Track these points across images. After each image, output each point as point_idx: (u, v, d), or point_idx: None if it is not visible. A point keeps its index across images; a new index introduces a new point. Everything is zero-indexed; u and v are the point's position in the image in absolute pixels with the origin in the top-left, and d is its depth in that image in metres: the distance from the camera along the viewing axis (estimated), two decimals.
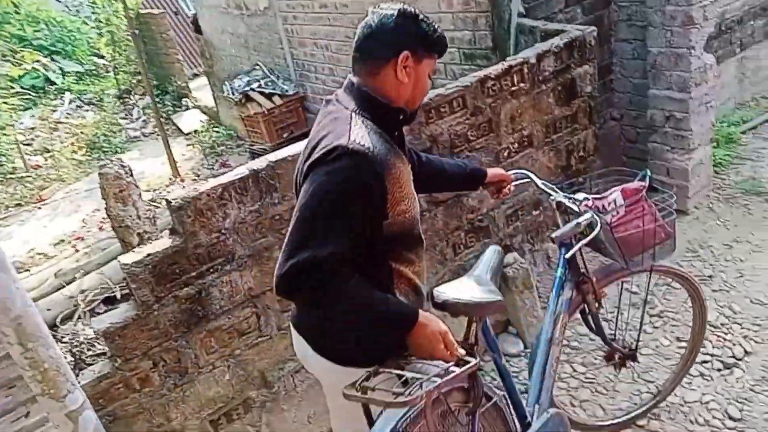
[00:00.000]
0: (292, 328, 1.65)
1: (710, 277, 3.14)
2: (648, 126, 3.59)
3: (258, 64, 6.90)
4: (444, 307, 1.55)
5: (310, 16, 5.46)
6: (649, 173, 1.98)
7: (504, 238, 2.89)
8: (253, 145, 6.66)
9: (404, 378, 1.38)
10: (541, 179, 2.07)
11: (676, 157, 3.49)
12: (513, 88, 2.72)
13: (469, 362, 1.42)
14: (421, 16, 1.50)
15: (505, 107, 2.73)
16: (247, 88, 6.46)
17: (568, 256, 1.90)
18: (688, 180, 3.47)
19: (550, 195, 2.00)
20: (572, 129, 2.99)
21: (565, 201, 1.94)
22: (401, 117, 1.54)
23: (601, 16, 3.59)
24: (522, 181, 2.09)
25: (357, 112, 1.46)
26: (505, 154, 2.82)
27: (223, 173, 2.30)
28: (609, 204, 1.91)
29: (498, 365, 1.78)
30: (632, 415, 2.36)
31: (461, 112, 2.64)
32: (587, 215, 1.86)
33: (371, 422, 1.42)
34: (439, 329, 1.42)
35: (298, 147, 2.25)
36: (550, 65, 2.77)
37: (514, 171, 2.10)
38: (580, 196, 1.94)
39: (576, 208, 1.91)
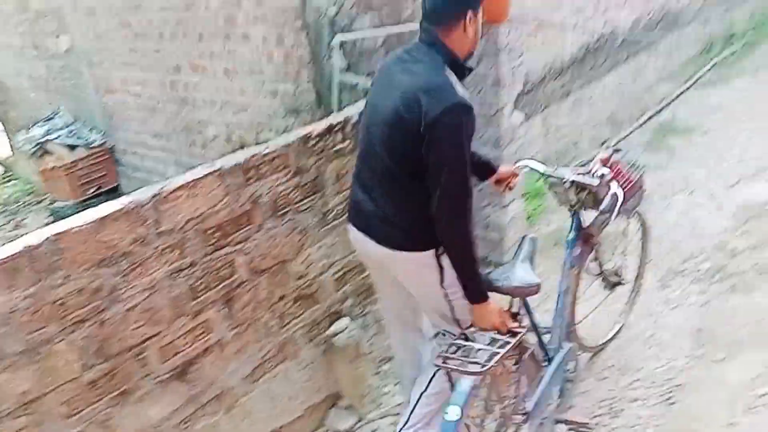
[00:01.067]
0: (364, 238, 2.04)
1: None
2: None
3: (60, 111, 6.17)
4: (499, 290, 2.03)
5: (120, 61, 5.01)
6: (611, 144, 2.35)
7: (333, 304, 2.73)
8: (53, 203, 5.88)
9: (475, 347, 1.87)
10: (543, 165, 2.48)
11: (493, 211, 3.65)
12: (337, 147, 2.62)
13: (518, 332, 1.95)
14: None
15: (330, 167, 2.62)
16: (45, 138, 5.71)
17: (586, 225, 2.52)
18: (505, 234, 3.64)
19: (563, 178, 2.38)
20: None
21: (581, 179, 2.35)
22: (465, 71, 1.89)
23: None
24: (525, 170, 2.51)
25: (446, 66, 1.79)
26: (332, 215, 2.70)
27: (19, 236, 1.88)
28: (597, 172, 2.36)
29: (534, 325, 2.28)
30: (616, 330, 3.10)
31: (284, 172, 2.47)
32: (614, 186, 2.31)
33: (450, 379, 2.07)
34: (498, 306, 1.96)
35: (101, 210, 1.93)
36: None
37: (518, 164, 2.51)
38: (567, 172, 2.40)
39: (594, 182, 2.31)
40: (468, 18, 1.79)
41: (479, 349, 1.85)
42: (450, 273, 1.91)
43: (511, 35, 3.32)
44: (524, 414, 2.14)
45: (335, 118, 2.62)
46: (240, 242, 2.34)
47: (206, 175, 2.23)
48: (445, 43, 1.80)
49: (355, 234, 2.13)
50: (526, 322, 2.12)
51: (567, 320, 2.49)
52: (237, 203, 2.33)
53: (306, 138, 2.50)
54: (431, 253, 1.93)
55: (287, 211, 2.52)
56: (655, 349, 3.10)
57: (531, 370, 2.22)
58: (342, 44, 3.02)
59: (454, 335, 1.96)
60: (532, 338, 2.25)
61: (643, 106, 6.08)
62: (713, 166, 4.73)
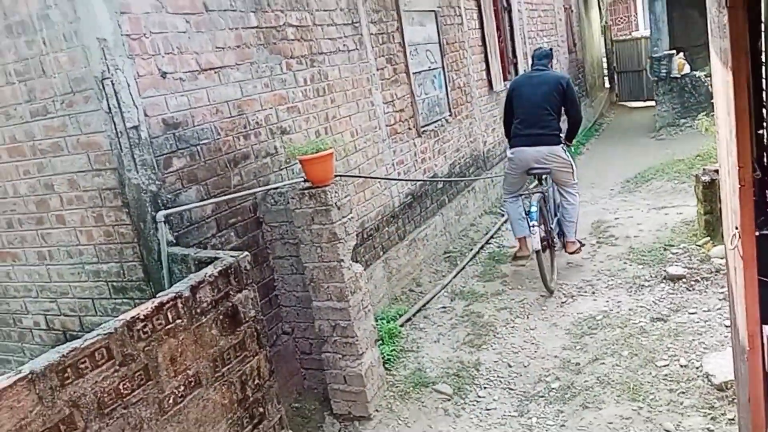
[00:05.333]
0: (528, 148, 5.01)
1: None
2: (318, 337, 3.64)
3: None
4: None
5: None
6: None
7: None
8: None
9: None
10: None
11: (349, 364, 3.56)
12: (169, 326, 2.42)
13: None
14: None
15: (163, 348, 2.39)
16: None
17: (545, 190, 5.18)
18: (364, 385, 3.54)
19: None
20: (242, 357, 2.78)
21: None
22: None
23: (255, 236, 3.68)
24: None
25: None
26: (171, 401, 2.42)
27: None
28: None
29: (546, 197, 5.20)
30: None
31: (108, 365, 2.20)
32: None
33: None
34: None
35: None
36: (207, 296, 2.59)
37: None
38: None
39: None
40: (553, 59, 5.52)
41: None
42: (565, 153, 5.11)
43: (338, 193, 3.47)
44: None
45: (166, 296, 2.45)
46: None
47: (12, 385, 1.91)
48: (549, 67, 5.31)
49: (522, 151, 5.04)
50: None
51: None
52: (53, 410, 2.01)
53: (132, 322, 2.29)
54: (562, 145, 5.07)
55: (116, 407, 2.22)
56: None
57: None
58: (167, 218, 2.92)
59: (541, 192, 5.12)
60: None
61: (471, 239, 6.58)
62: (542, 288, 5.14)
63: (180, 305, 2.46)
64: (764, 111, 2.09)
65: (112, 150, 2.95)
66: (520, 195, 5.28)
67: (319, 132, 4.34)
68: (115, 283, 3.29)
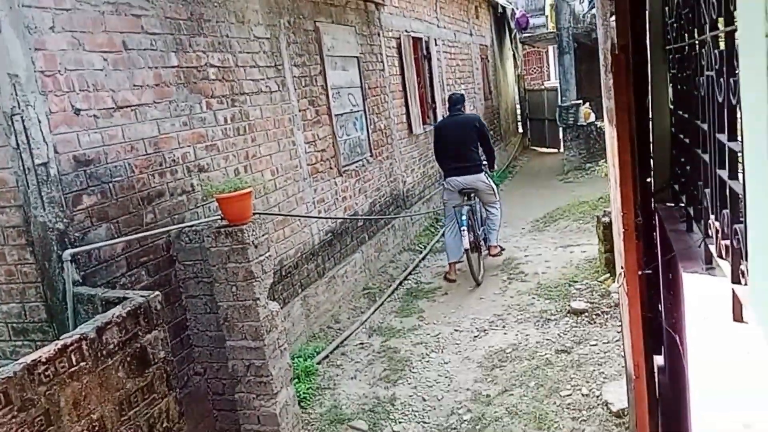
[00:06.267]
0: (458, 178, 6.30)
1: None
2: (231, 377, 3.60)
3: None
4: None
5: None
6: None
7: None
8: None
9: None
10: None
11: (263, 404, 3.54)
12: (72, 369, 2.36)
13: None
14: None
15: (65, 393, 2.33)
16: None
17: (473, 204, 6.44)
18: (279, 424, 3.52)
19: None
20: (150, 400, 2.74)
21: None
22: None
23: (168, 275, 3.63)
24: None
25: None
26: None
27: None
28: None
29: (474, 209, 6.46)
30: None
31: (5, 411, 2.12)
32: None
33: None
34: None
35: None
36: (115, 337, 2.55)
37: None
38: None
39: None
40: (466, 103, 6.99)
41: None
42: (487, 178, 6.50)
43: (256, 232, 3.51)
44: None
45: (70, 338, 2.39)
46: None
47: None
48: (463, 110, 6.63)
49: (454, 180, 6.28)
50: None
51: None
52: None
53: (33, 365, 2.22)
54: (484, 173, 6.38)
55: None
56: None
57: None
58: (75, 257, 2.86)
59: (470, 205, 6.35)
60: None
61: (390, 276, 6.73)
62: (456, 323, 5.32)
63: (85, 347, 2.41)
64: (651, 161, 2.34)
65: (18, 187, 2.87)
66: (455, 208, 6.42)
67: (239, 170, 4.37)
68: (15, 325, 3.14)
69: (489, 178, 6.52)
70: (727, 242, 1.30)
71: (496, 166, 7.19)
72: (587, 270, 5.96)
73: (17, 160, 2.83)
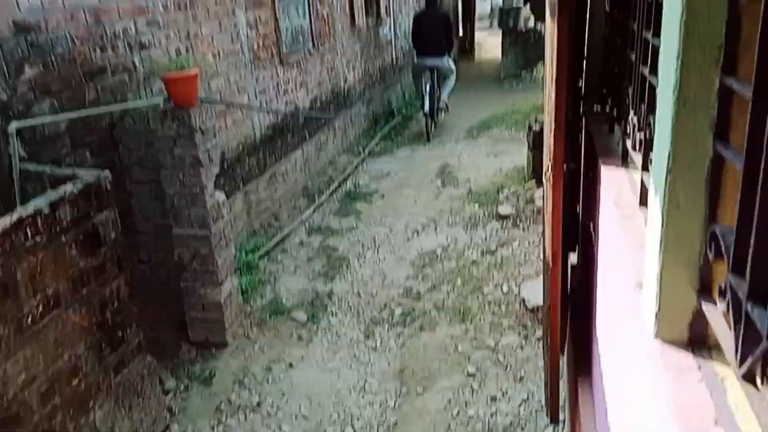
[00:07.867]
0: (427, 59, 8.37)
1: (258, 404, 3.29)
2: (177, 265, 3.63)
3: None
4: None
5: None
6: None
7: (41, 422, 2.36)
8: None
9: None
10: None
11: (208, 292, 3.62)
12: (28, 243, 2.32)
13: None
14: None
15: (22, 266, 2.30)
16: None
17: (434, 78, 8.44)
18: (223, 312, 3.63)
19: None
20: (102, 280, 2.74)
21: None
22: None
23: (112, 157, 3.51)
24: None
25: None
26: (29, 320, 2.35)
27: None
28: None
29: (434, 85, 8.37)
30: None
31: None
32: None
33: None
34: None
35: None
36: (68, 214, 2.50)
37: None
38: None
39: None
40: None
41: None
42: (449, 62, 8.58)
43: (202, 117, 3.42)
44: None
45: (25, 211, 2.32)
46: None
47: None
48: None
49: (424, 59, 8.37)
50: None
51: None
52: None
53: None
54: (446, 56, 8.42)
55: None
56: (369, 396, 3.43)
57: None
58: (20, 131, 2.72)
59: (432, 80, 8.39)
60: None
61: (329, 177, 6.78)
62: (392, 224, 5.51)
63: (40, 222, 2.36)
64: (584, 64, 2.46)
65: None
66: (420, 77, 8.47)
67: (180, 50, 4.16)
68: None
69: (450, 61, 8.54)
70: (642, 135, 1.46)
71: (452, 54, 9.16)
72: (515, 177, 6.21)
73: None
